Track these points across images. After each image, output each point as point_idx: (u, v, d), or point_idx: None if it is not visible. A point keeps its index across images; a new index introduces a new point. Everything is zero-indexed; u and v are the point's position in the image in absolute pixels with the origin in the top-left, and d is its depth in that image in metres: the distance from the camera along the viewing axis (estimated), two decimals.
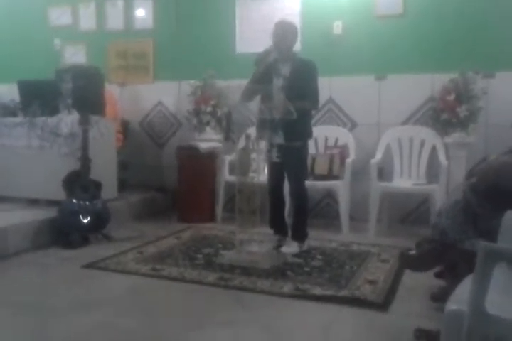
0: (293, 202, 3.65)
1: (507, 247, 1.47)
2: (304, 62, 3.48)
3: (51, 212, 3.79)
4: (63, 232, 3.70)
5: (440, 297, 2.42)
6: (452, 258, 2.29)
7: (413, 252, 2.52)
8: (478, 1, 4.11)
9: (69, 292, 2.79)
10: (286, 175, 3.56)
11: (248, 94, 3.42)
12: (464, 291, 1.55)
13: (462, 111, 3.89)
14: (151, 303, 2.64)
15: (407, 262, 2.61)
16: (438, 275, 2.58)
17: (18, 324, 2.38)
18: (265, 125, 3.35)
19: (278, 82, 3.43)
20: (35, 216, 3.80)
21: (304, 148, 3.55)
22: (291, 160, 3.47)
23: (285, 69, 3.47)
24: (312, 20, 4.57)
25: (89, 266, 3.24)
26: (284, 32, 3.43)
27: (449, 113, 3.95)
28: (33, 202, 4.24)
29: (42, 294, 2.75)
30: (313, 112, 3.81)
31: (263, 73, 3.42)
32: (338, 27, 4.52)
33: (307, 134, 3.55)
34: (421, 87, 4.28)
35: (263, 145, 3.45)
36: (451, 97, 3.93)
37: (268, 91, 3.28)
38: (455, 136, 3.96)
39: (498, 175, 2.10)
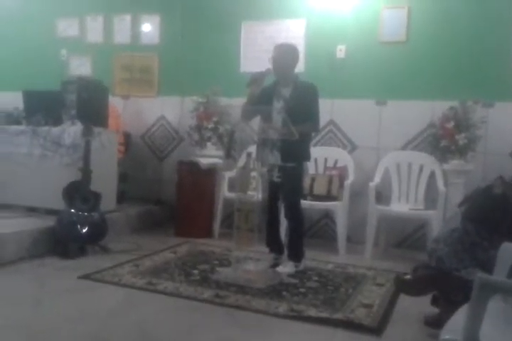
0: (287, 222, 3.65)
1: (502, 280, 1.50)
2: (304, 85, 3.51)
3: (49, 221, 3.81)
4: (61, 242, 3.71)
5: (433, 322, 2.45)
6: (447, 285, 2.32)
7: (408, 277, 2.55)
8: (480, 31, 4.20)
9: (63, 303, 2.78)
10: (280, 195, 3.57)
11: (247, 115, 3.46)
12: (458, 321, 1.58)
13: (461, 138, 3.95)
14: (144, 317, 2.64)
15: (402, 286, 2.64)
16: (433, 303, 2.60)
17: (6, 338, 2.34)
18: (265, 144, 3.39)
19: (278, 104, 3.45)
20: (34, 224, 3.81)
21: (299, 169, 3.53)
22: (286, 181, 3.46)
23: (285, 92, 3.49)
24: (316, 43, 4.65)
25: (86, 277, 3.24)
26: (282, 55, 3.45)
27: (448, 140, 4.01)
28: (32, 211, 4.24)
29: (35, 305, 2.74)
30: (313, 134, 3.82)
31: (260, 95, 3.44)
32: (341, 51, 4.60)
33: (304, 156, 3.55)
34: (421, 113, 4.34)
35: (264, 164, 3.48)
36: (451, 125, 3.99)
37: (267, 113, 3.31)
38: (454, 163, 4.01)
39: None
